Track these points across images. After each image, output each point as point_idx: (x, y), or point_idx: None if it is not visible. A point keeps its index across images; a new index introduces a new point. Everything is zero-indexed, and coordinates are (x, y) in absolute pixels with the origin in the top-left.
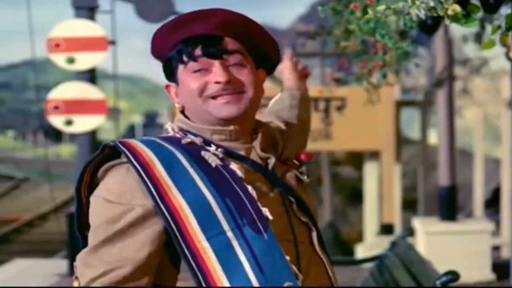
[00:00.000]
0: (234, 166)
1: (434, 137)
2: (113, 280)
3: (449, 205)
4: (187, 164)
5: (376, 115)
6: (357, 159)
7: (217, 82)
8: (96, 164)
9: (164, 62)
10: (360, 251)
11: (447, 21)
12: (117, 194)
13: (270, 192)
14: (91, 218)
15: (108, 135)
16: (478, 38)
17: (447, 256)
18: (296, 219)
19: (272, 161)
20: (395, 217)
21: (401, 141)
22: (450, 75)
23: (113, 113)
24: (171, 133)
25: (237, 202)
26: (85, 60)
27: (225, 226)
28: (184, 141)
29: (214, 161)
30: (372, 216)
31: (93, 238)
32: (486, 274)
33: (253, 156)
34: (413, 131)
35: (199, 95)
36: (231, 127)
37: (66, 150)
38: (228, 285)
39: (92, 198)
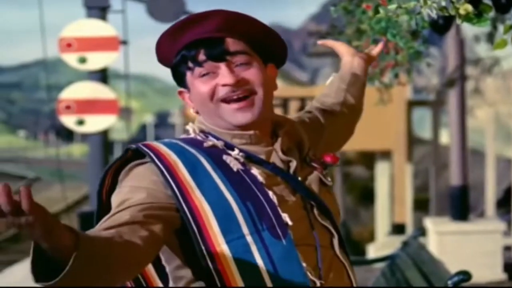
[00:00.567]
0: (255, 171)
1: (445, 137)
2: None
3: (461, 205)
4: (209, 167)
5: (387, 115)
6: (368, 158)
7: (225, 85)
8: (117, 167)
9: (171, 69)
10: (372, 251)
11: (458, 21)
12: (141, 180)
13: (291, 196)
14: (113, 202)
15: (119, 135)
16: (490, 38)
17: (459, 256)
18: (318, 223)
19: (293, 164)
20: (407, 217)
21: (412, 141)
22: (461, 75)
23: (125, 113)
24: (192, 135)
25: (258, 206)
26: (96, 60)
27: (245, 230)
28: (206, 145)
29: (235, 166)
30: (383, 216)
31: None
32: (498, 274)
33: (275, 159)
34: (424, 131)
35: (210, 99)
36: (251, 132)
37: (77, 150)
38: None
39: (114, 195)
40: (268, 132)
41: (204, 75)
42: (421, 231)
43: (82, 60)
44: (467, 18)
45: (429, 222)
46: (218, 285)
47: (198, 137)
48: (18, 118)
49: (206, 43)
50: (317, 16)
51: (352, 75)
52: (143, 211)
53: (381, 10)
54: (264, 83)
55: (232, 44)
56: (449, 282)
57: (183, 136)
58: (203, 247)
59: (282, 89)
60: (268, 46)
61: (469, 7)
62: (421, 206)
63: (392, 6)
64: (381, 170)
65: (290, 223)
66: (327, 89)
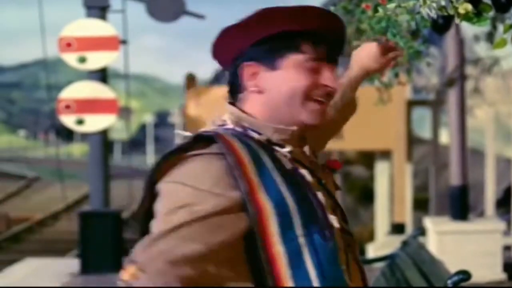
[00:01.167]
0: (302, 170)
1: (445, 137)
2: (185, 252)
3: (461, 205)
4: (269, 163)
5: (387, 115)
6: (368, 158)
7: (327, 87)
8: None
9: (263, 38)
10: (371, 251)
11: (458, 20)
12: (203, 181)
13: (327, 199)
14: (165, 203)
15: (119, 135)
16: (490, 37)
17: (459, 256)
18: (342, 226)
19: (318, 168)
20: (407, 216)
21: (412, 141)
22: (461, 75)
23: (125, 113)
24: (230, 126)
25: (309, 208)
26: (96, 60)
27: (299, 231)
28: (259, 138)
29: (286, 163)
30: (383, 216)
31: (165, 222)
32: (498, 273)
33: (305, 161)
34: (424, 131)
35: (304, 93)
36: (294, 127)
37: (77, 149)
38: None
39: (169, 184)
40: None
41: (309, 68)
42: (421, 230)
43: (82, 60)
44: (466, 17)
45: (428, 222)
46: (270, 285)
47: (237, 129)
48: (18, 118)
49: (331, 41)
50: None
51: (348, 87)
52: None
53: (381, 10)
54: None
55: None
56: (449, 282)
57: (222, 126)
58: (260, 247)
59: None
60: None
61: (469, 7)
62: (420, 205)
63: (392, 5)
64: (381, 170)
65: (337, 225)
66: None
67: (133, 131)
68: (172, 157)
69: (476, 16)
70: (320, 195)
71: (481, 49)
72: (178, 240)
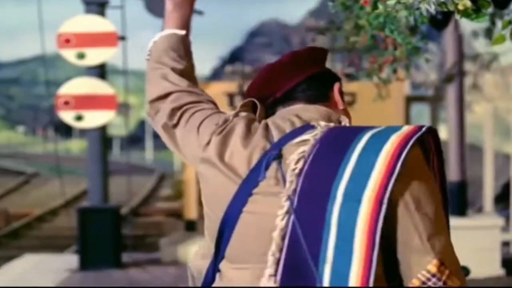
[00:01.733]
0: None
1: (444, 133)
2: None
3: (459, 201)
4: None
5: (386, 111)
6: None
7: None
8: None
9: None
10: None
11: (457, 16)
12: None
13: None
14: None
15: (118, 131)
16: (489, 33)
17: (457, 251)
18: None
19: None
20: None
21: None
22: (460, 71)
23: (123, 109)
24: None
25: None
26: (95, 56)
27: None
28: None
29: None
30: None
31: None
32: (496, 269)
33: None
34: None
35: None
36: None
37: (76, 145)
38: None
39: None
40: None
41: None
42: None
43: (81, 56)
44: (465, 13)
45: None
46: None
47: None
48: (17, 114)
49: None
50: (316, 12)
51: None
52: None
53: (380, 6)
54: None
55: None
56: None
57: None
58: None
59: None
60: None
61: (468, 3)
62: None
63: (391, 2)
64: None
65: None
66: None
67: (132, 127)
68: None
69: (475, 12)
70: None
71: (480, 45)
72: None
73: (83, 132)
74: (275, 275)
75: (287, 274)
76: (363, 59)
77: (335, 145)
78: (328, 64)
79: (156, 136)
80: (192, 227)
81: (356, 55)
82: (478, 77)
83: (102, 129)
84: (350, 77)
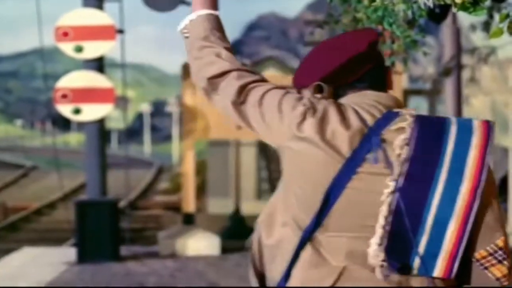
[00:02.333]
0: None
1: None
2: None
3: None
4: None
5: None
6: None
7: None
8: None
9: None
10: None
11: (454, 9)
12: None
13: None
14: None
15: (116, 124)
16: (486, 26)
17: None
18: None
19: None
20: None
21: None
22: (458, 64)
23: (121, 102)
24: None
25: None
26: (93, 49)
27: None
28: None
29: None
30: None
31: None
32: None
33: None
34: None
35: None
36: None
37: (74, 138)
38: None
39: None
40: None
41: None
42: None
43: (79, 49)
44: (463, 7)
45: None
46: None
47: None
48: (15, 107)
49: None
50: (314, 5)
51: None
52: None
53: None
54: None
55: None
56: None
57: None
58: None
59: (279, 77)
60: None
61: None
62: None
63: None
64: None
65: None
66: None
67: (130, 121)
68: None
69: (472, 5)
70: None
71: (478, 39)
72: None
73: (81, 125)
74: (381, 244)
75: (390, 244)
76: None
77: (430, 135)
78: None
79: (154, 129)
80: (190, 220)
81: None
82: (475, 70)
83: (100, 122)
84: None
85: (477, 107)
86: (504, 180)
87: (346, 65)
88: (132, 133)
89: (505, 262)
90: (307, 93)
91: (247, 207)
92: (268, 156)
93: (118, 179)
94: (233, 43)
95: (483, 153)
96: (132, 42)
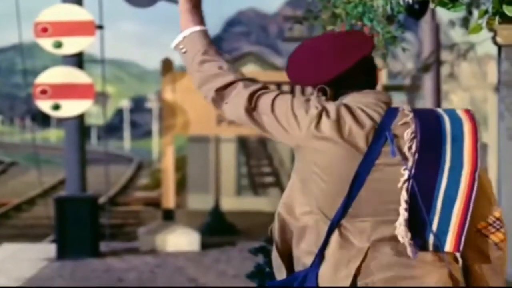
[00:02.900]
0: None
1: None
2: None
3: None
4: None
5: None
6: None
7: None
8: None
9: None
10: None
11: (433, 6)
12: None
13: None
14: None
15: (95, 120)
16: (465, 23)
17: None
18: None
19: None
20: None
21: None
22: (437, 60)
23: (101, 98)
24: None
25: None
26: (72, 45)
27: None
28: None
29: None
30: None
31: None
32: None
33: None
34: None
35: None
36: None
37: (53, 134)
38: None
39: None
40: None
41: None
42: None
43: (58, 45)
44: (442, 3)
45: None
46: None
47: None
48: None
49: None
50: (293, 1)
51: None
52: None
53: None
54: None
55: None
56: None
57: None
58: None
59: (258, 73)
60: None
61: None
62: None
63: None
64: None
65: None
66: None
67: (110, 116)
68: None
69: (451, 1)
70: None
71: (457, 35)
72: None
73: (60, 121)
74: (406, 225)
75: (410, 225)
76: None
77: (430, 127)
78: None
79: (133, 125)
80: (170, 216)
81: None
82: (454, 66)
83: (80, 118)
84: None
85: (456, 103)
86: None
87: (351, 70)
88: (112, 129)
89: (501, 230)
90: (310, 92)
91: (227, 203)
92: (247, 152)
93: (97, 175)
94: (213, 39)
95: (475, 138)
96: (111, 38)
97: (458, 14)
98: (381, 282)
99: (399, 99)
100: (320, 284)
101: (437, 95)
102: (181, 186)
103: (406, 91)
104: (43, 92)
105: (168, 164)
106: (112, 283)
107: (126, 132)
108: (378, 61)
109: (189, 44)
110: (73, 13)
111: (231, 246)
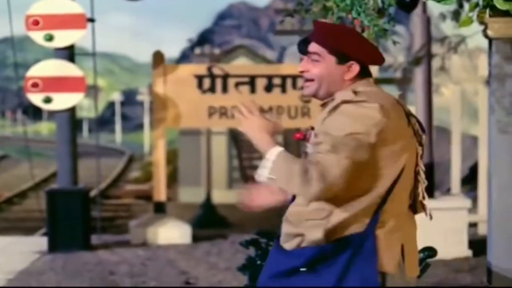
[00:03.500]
0: None
1: None
2: None
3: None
4: None
5: None
6: None
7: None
8: None
9: None
10: None
11: None
12: None
13: None
14: None
15: (87, 113)
16: (456, 16)
17: (425, 233)
18: None
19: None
20: None
21: None
22: (427, 53)
23: (92, 91)
24: None
25: None
26: (63, 38)
27: None
28: None
29: None
30: None
31: None
32: (463, 250)
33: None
34: None
35: None
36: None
37: (45, 127)
38: None
39: None
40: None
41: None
42: None
43: (49, 38)
44: None
45: None
46: None
47: None
48: None
49: (302, 41)
50: None
51: None
52: None
53: None
54: (321, 76)
55: (312, 46)
56: None
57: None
58: None
59: (250, 67)
60: (342, 50)
61: None
62: None
63: None
64: None
65: None
66: None
67: (101, 109)
68: None
69: None
70: None
71: (448, 28)
72: None
73: (52, 115)
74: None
75: None
76: None
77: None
78: (296, 47)
79: (125, 118)
80: (161, 209)
81: None
82: (445, 59)
83: (71, 111)
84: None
85: (447, 96)
86: (473, 168)
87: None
88: (103, 122)
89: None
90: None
91: (218, 196)
92: (239, 145)
93: (89, 168)
94: (204, 32)
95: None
96: (103, 31)
97: (449, 7)
98: None
99: (390, 92)
100: None
101: (428, 88)
102: (172, 179)
103: (397, 84)
104: (35, 85)
105: (160, 157)
106: (103, 276)
107: (118, 125)
108: None
109: (282, 164)
110: (64, 6)
111: (222, 239)
